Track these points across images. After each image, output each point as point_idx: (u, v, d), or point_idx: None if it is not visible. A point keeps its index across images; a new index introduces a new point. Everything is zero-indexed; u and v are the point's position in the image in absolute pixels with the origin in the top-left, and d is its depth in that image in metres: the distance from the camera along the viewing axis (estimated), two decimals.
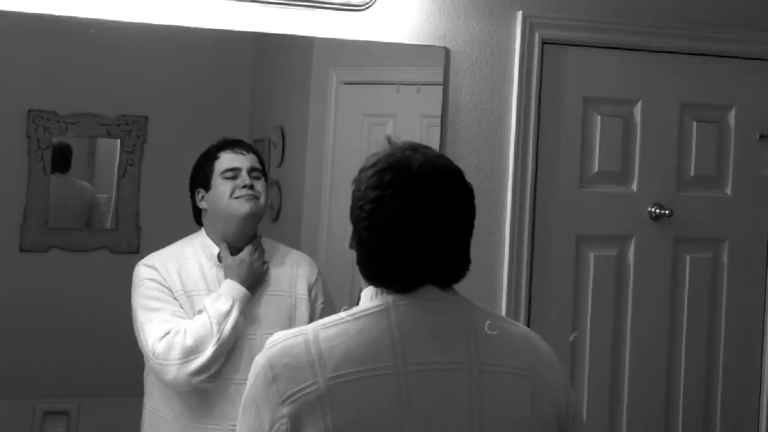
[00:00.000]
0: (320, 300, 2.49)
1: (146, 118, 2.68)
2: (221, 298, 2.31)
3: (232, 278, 2.35)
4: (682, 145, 3.15)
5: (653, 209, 3.10)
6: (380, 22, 2.81)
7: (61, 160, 2.63)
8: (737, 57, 3.17)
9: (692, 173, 3.16)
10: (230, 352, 2.31)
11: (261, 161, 2.47)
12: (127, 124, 2.66)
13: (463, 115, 2.92)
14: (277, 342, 1.43)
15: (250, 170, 2.41)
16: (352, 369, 1.37)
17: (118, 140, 2.67)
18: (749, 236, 3.22)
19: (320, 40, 2.78)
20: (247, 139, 2.56)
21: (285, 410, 1.36)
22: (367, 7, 2.79)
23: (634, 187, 3.10)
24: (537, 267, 3.00)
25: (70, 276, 2.67)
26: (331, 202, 2.86)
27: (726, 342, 3.19)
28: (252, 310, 2.37)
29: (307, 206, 2.92)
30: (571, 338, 3.03)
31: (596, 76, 3.06)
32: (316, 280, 2.50)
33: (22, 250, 2.60)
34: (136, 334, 2.32)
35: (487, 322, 1.47)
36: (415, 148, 1.49)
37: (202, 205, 2.43)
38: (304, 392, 1.36)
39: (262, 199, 2.42)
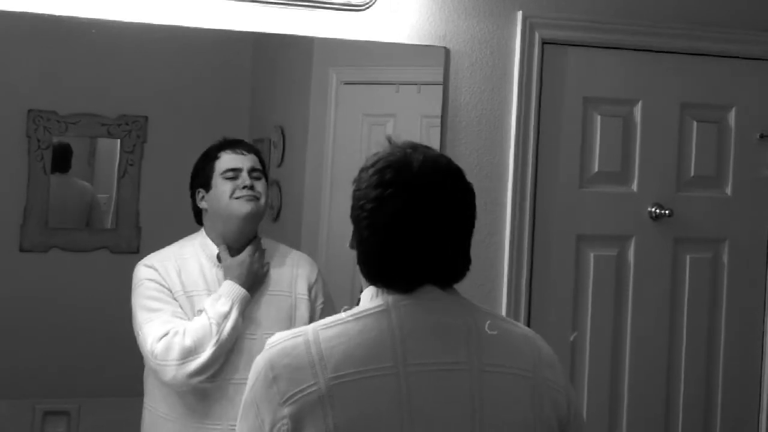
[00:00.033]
0: (320, 300, 2.49)
1: (146, 118, 2.68)
2: (221, 299, 2.31)
3: (231, 279, 2.34)
4: (682, 145, 3.15)
5: (653, 209, 3.10)
6: (380, 22, 2.81)
7: (62, 160, 2.63)
8: (737, 57, 3.17)
9: (692, 173, 3.16)
10: (230, 352, 2.31)
11: (261, 161, 2.47)
12: (127, 124, 2.66)
13: (463, 115, 2.92)
14: (278, 343, 1.42)
15: (251, 170, 2.41)
16: (353, 369, 1.37)
17: (118, 140, 2.67)
18: (749, 236, 3.22)
19: (320, 40, 2.78)
20: (247, 139, 2.56)
21: (286, 411, 1.36)
22: (367, 7, 2.79)
23: (634, 187, 3.10)
24: (537, 267, 3.00)
25: (70, 276, 2.67)
26: (331, 202, 2.86)
27: (726, 342, 3.19)
28: (252, 310, 2.37)
29: (307, 206, 2.92)
30: (571, 338, 3.04)
31: (596, 76, 3.06)
32: (316, 280, 2.50)
33: (22, 250, 2.60)
34: (136, 335, 2.32)
35: (488, 322, 1.47)
36: (415, 147, 1.49)
37: (203, 205, 2.43)
38: (304, 393, 1.36)
39: (263, 200, 2.42)
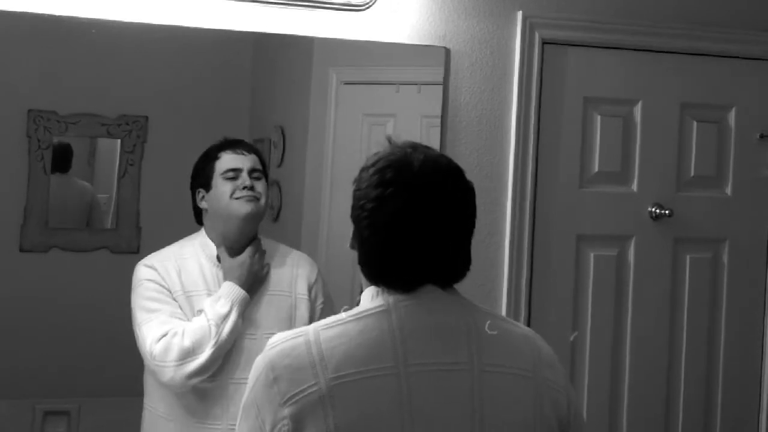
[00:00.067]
0: (320, 300, 2.49)
1: (146, 118, 2.68)
2: (220, 301, 2.31)
3: (231, 280, 2.34)
4: (682, 145, 3.15)
5: (653, 209, 3.10)
6: (380, 22, 2.81)
7: (62, 160, 2.63)
8: (737, 57, 3.17)
9: (692, 173, 3.16)
10: (230, 351, 2.31)
11: (262, 162, 2.47)
12: (127, 124, 2.66)
13: (463, 115, 2.92)
14: (278, 343, 1.42)
15: (251, 171, 2.41)
16: (354, 369, 1.37)
17: (119, 140, 2.67)
18: (749, 236, 3.22)
19: (320, 40, 2.78)
20: (247, 139, 2.56)
21: (286, 411, 1.36)
22: (367, 7, 2.79)
23: (634, 187, 3.10)
24: (537, 267, 3.00)
25: (70, 276, 2.67)
26: (331, 202, 2.86)
27: (726, 342, 3.19)
28: (252, 310, 2.37)
29: (307, 206, 2.92)
30: (571, 338, 3.04)
31: (596, 76, 3.06)
32: (316, 279, 2.50)
33: (22, 250, 2.60)
34: (135, 335, 2.32)
35: (488, 322, 1.47)
36: (415, 147, 1.49)
37: (203, 205, 2.43)
38: (305, 393, 1.36)
39: (263, 200, 2.42)
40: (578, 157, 3.04)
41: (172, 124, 2.73)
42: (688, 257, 3.15)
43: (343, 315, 1.45)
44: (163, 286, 2.34)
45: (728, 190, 3.20)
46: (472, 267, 1.51)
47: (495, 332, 1.47)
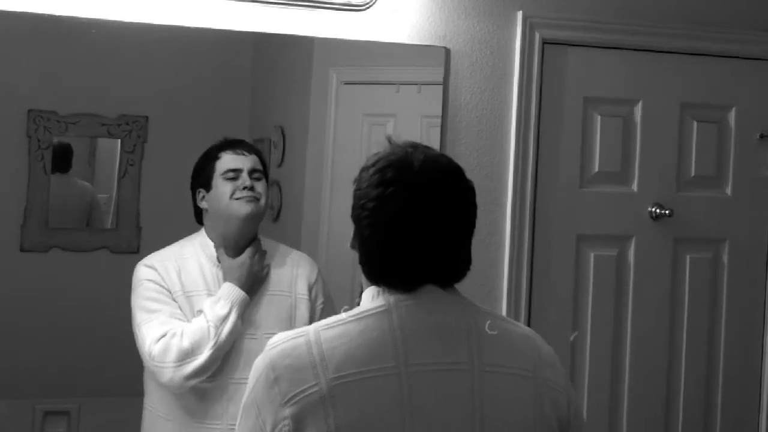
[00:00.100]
0: (320, 300, 2.49)
1: (146, 118, 2.68)
2: (220, 302, 2.31)
3: (231, 281, 2.34)
4: (682, 145, 3.15)
5: (653, 209, 3.10)
6: (380, 22, 2.81)
7: (62, 160, 2.63)
8: (737, 57, 3.17)
9: (692, 173, 3.16)
10: (230, 351, 2.31)
11: (262, 162, 2.47)
12: (127, 124, 2.66)
13: (463, 115, 2.92)
14: (278, 343, 1.42)
15: (251, 171, 2.41)
16: (354, 370, 1.37)
17: (119, 140, 2.67)
18: (749, 236, 3.22)
19: (320, 40, 2.78)
20: (247, 139, 2.56)
21: (287, 411, 1.36)
22: (367, 7, 2.79)
23: (635, 187, 3.10)
24: (537, 267, 3.00)
25: (70, 276, 2.67)
26: (332, 202, 2.86)
27: (726, 342, 3.19)
28: (252, 310, 2.37)
29: (307, 206, 2.92)
30: (571, 338, 3.04)
31: (596, 76, 3.06)
32: (316, 279, 2.50)
33: (22, 250, 2.60)
34: (134, 335, 2.32)
35: (488, 322, 1.47)
36: (415, 146, 1.49)
37: (203, 205, 2.43)
38: (306, 393, 1.36)
39: (263, 201, 2.42)
40: (578, 157, 3.04)
41: (172, 124, 2.73)
42: (688, 257, 3.16)
43: (343, 315, 1.45)
44: (163, 287, 2.33)
45: (728, 190, 3.20)
46: (472, 267, 1.51)
47: (495, 332, 1.47)
